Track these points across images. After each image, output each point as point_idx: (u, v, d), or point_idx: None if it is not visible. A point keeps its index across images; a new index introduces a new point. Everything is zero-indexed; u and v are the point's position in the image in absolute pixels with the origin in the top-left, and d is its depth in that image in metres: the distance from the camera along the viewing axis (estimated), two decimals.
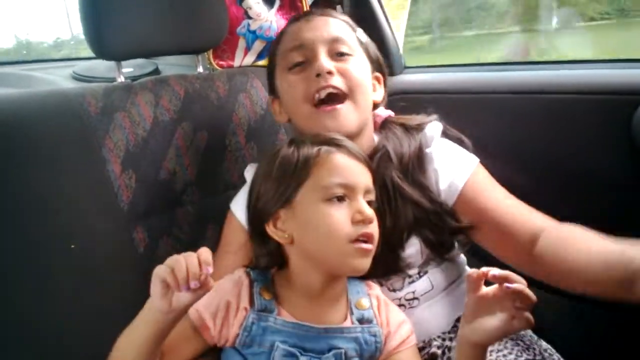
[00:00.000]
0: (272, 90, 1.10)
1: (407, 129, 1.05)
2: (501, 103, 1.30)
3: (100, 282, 0.99)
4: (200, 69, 1.33)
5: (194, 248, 1.11)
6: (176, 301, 0.73)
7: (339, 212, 0.83)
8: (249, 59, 1.50)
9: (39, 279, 0.93)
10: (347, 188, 0.84)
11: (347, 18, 1.09)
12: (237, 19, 1.47)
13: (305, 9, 1.51)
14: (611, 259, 0.80)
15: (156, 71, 1.77)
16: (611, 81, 1.17)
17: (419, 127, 1.05)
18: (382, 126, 1.08)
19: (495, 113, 1.30)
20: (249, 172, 1.07)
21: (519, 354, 0.93)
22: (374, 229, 0.84)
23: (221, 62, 1.49)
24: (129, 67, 1.65)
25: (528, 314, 0.72)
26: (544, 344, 1.01)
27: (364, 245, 0.82)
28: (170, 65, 1.77)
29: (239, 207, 1.04)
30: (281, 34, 1.08)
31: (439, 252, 0.99)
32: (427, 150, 1.02)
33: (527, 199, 1.27)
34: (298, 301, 0.88)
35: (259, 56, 1.51)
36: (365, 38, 1.08)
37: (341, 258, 0.82)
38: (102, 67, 1.69)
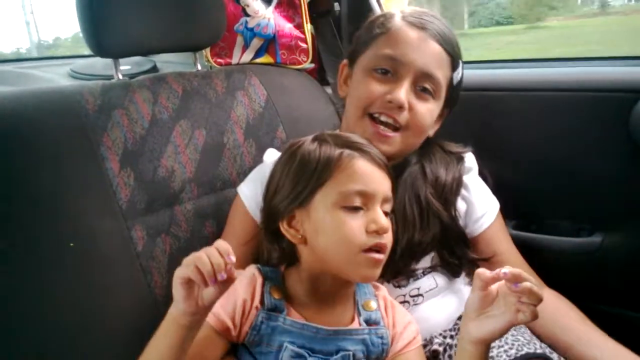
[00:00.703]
0: (352, 59, 1.06)
1: (446, 152, 1.07)
2: (499, 100, 1.30)
3: (99, 280, 0.98)
4: (198, 67, 1.33)
5: (193, 246, 1.12)
6: (202, 299, 0.72)
7: (354, 221, 0.82)
8: (247, 57, 1.50)
9: (37, 278, 0.93)
10: (366, 196, 0.83)
11: (456, 51, 1.02)
12: (234, 16, 1.47)
13: (303, 7, 1.51)
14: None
15: (154, 69, 1.77)
16: (609, 78, 1.17)
17: (458, 155, 1.07)
18: (422, 145, 1.06)
19: (493, 110, 1.30)
20: (270, 156, 1.08)
21: (520, 348, 0.93)
22: (387, 239, 0.84)
23: (219, 60, 1.49)
24: (127, 65, 1.65)
25: (534, 307, 0.72)
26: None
27: (376, 256, 0.82)
28: (168, 62, 1.77)
29: (248, 191, 1.04)
30: (390, 19, 1.01)
31: (449, 270, 1.03)
32: (465, 179, 1.06)
33: (526, 195, 1.28)
34: (307, 301, 0.87)
35: (257, 54, 1.50)
36: (459, 78, 1.04)
37: (352, 266, 0.82)
38: (99, 64, 1.69)
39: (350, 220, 0.81)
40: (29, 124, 1.01)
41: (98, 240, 1.00)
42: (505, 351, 0.93)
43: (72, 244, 0.96)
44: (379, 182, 0.85)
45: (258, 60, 1.50)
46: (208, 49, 1.47)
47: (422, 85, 0.98)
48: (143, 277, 1.04)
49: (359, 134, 0.95)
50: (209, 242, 1.12)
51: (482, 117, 1.31)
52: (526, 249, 1.09)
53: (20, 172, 0.97)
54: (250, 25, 1.47)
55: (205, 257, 0.70)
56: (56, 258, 0.95)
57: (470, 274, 1.05)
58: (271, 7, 1.51)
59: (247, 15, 1.48)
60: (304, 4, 1.52)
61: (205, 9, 1.23)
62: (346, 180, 0.83)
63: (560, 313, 1.02)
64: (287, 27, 1.50)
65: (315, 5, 1.55)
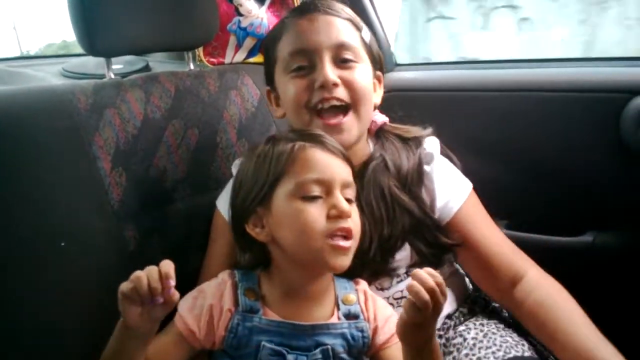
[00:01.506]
0: (270, 81, 1.07)
1: (405, 140, 1.05)
2: (491, 100, 1.30)
3: (91, 280, 0.98)
4: (191, 66, 1.33)
5: (185, 246, 1.12)
6: (146, 314, 0.74)
7: (313, 208, 0.81)
8: (240, 56, 1.50)
9: (29, 278, 0.93)
10: (323, 183, 0.83)
11: (351, 14, 1.04)
12: (227, 15, 1.47)
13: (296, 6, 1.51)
14: (581, 353, 0.88)
15: (146, 68, 1.77)
16: (600, 79, 1.18)
17: (417, 141, 1.05)
18: (378, 134, 1.07)
19: (486, 110, 1.31)
20: (236, 167, 1.06)
21: (508, 350, 0.94)
22: (352, 224, 0.83)
23: (212, 59, 1.49)
24: (119, 64, 1.64)
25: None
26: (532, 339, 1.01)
27: (341, 243, 0.81)
28: (161, 62, 1.77)
29: (224, 203, 1.04)
30: (280, 28, 1.04)
31: (428, 261, 0.98)
32: (427, 168, 1.02)
33: (516, 196, 1.28)
34: (284, 300, 0.87)
35: (250, 53, 1.50)
36: (368, 37, 1.05)
37: (317, 255, 0.81)
38: (91, 63, 1.68)
39: (309, 208, 0.81)
40: (20, 123, 1.00)
41: (90, 239, 1.00)
42: (493, 353, 0.93)
43: (63, 244, 0.96)
44: (336, 169, 0.85)
45: (251, 59, 1.51)
46: (201, 49, 1.47)
47: (342, 57, 0.98)
48: None
49: None
50: (201, 241, 1.13)
51: (474, 117, 1.31)
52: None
53: (12, 172, 0.96)
54: (243, 25, 1.47)
55: (144, 279, 0.72)
56: (48, 258, 0.95)
57: (451, 263, 1.05)
58: (264, 7, 1.51)
59: (240, 14, 1.48)
60: (296, 3, 1.52)
61: (197, 9, 1.23)
62: (300, 170, 0.83)
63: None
64: None
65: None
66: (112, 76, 1.19)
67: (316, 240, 0.81)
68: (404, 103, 1.12)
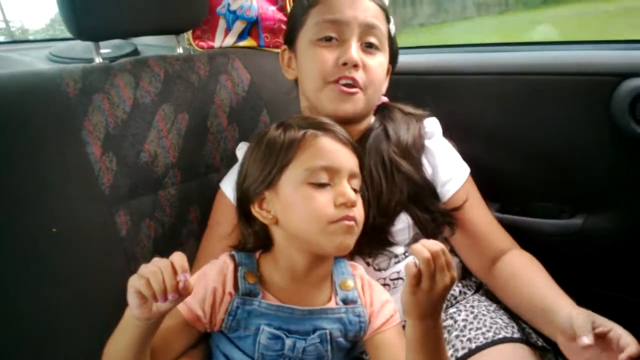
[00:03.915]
0: (290, 41, 1.09)
1: (405, 114, 1.09)
2: (482, 84, 1.30)
3: (84, 265, 0.98)
4: (180, 50, 1.32)
5: (177, 230, 1.12)
6: (156, 308, 0.72)
7: (322, 195, 0.83)
8: (230, 40, 1.48)
9: (19, 263, 0.92)
10: (331, 171, 0.84)
11: (385, 3, 1.07)
12: None
13: None
14: (542, 311, 0.92)
15: (135, 52, 1.74)
16: (590, 62, 1.18)
17: (418, 117, 1.09)
18: (379, 109, 1.10)
19: (477, 94, 1.31)
20: (241, 150, 1.08)
21: (497, 331, 0.94)
22: (357, 213, 0.85)
23: (201, 43, 1.47)
24: (107, 48, 1.62)
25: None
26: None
27: (347, 222, 0.83)
28: (149, 46, 1.74)
29: (229, 186, 1.04)
30: None
31: (426, 231, 1.01)
32: (427, 143, 1.06)
33: (508, 179, 1.29)
34: (283, 284, 0.88)
35: (240, 37, 1.49)
36: (394, 30, 1.08)
37: (325, 237, 0.83)
38: (79, 48, 1.65)
39: (317, 195, 0.83)
40: (8, 108, 0.99)
41: (81, 225, 0.99)
42: (482, 334, 0.94)
43: (54, 230, 0.95)
44: (344, 158, 0.87)
45: (241, 43, 1.49)
46: (190, 32, 1.45)
47: (368, 40, 1.01)
48: (126, 262, 1.03)
49: (324, 102, 0.99)
50: (193, 226, 1.13)
51: (464, 100, 1.31)
52: (510, 231, 1.10)
53: (1, 157, 0.95)
54: (232, 8, 1.45)
55: (159, 275, 0.69)
56: (39, 243, 0.94)
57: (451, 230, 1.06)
58: None
59: None
60: None
61: None
62: (311, 157, 0.85)
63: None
64: (270, 9, 1.49)
65: None
66: (101, 60, 1.18)
67: (322, 226, 0.82)
68: (396, 86, 1.11)
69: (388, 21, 1.06)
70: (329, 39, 1.00)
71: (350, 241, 0.85)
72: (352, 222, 0.84)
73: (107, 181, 1.04)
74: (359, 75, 0.99)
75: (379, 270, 1.02)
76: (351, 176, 0.87)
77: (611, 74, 1.12)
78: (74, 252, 0.97)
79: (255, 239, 0.92)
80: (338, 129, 0.90)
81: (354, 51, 0.98)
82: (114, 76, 1.12)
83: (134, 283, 0.71)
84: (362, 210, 0.88)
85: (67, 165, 1.01)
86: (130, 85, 1.12)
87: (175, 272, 0.70)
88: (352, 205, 0.84)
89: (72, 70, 1.09)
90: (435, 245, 0.71)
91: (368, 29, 1.00)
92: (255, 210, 0.88)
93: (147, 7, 1.16)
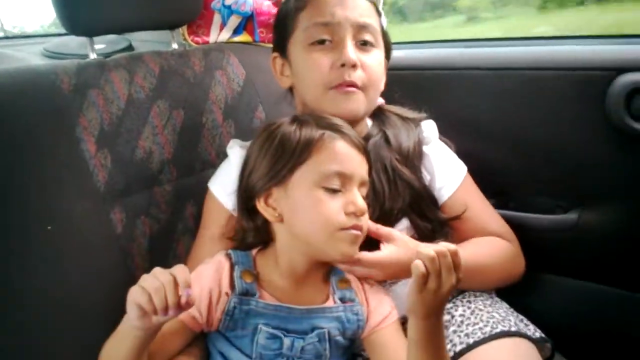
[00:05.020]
0: (281, 48, 1.06)
1: (404, 119, 1.08)
2: (478, 79, 1.30)
3: (79, 263, 0.97)
4: (175, 45, 1.31)
5: (172, 228, 1.12)
6: (156, 320, 0.71)
7: (333, 201, 0.82)
8: (225, 35, 1.48)
9: (14, 261, 0.92)
10: (344, 177, 0.84)
11: None
12: None
13: None
14: None
15: (129, 48, 1.74)
16: (585, 57, 1.18)
17: (416, 122, 1.08)
18: (376, 113, 1.09)
19: (472, 89, 1.31)
20: (232, 149, 1.06)
21: (495, 325, 0.94)
22: (364, 222, 0.85)
23: (196, 38, 1.46)
24: (101, 44, 1.61)
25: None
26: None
27: (354, 231, 0.83)
28: (144, 41, 1.74)
29: (218, 185, 1.03)
30: None
31: (425, 237, 1.01)
32: (425, 149, 1.06)
33: (503, 175, 1.29)
34: (280, 282, 0.88)
35: (235, 32, 1.48)
36: (385, 23, 1.07)
37: (331, 244, 0.82)
38: (73, 43, 1.65)
39: (329, 200, 0.82)
40: (2, 104, 0.99)
41: (76, 222, 0.99)
42: (480, 328, 0.94)
43: (49, 227, 0.95)
44: (358, 165, 0.86)
45: (236, 38, 1.48)
46: (185, 27, 1.44)
47: (362, 39, 1.00)
48: (123, 259, 1.03)
49: (326, 107, 0.97)
50: (188, 223, 1.13)
51: (461, 95, 1.31)
52: None
53: None
54: (227, 3, 1.45)
55: (162, 292, 0.68)
56: (35, 242, 0.94)
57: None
58: None
59: None
60: None
61: None
62: (326, 160, 0.84)
63: None
64: (266, 4, 1.48)
65: None
66: (95, 56, 1.17)
67: (330, 232, 0.82)
68: (393, 82, 1.11)
69: (379, 14, 1.05)
70: (322, 42, 0.99)
71: (355, 250, 0.84)
72: (359, 232, 0.83)
73: (102, 178, 1.04)
74: (359, 75, 0.97)
75: None
76: (361, 184, 0.86)
77: (606, 69, 1.12)
78: (68, 249, 0.97)
79: (255, 235, 0.91)
80: (353, 132, 0.89)
81: (351, 51, 0.97)
82: (109, 72, 1.11)
83: (135, 296, 0.69)
84: (368, 219, 0.87)
85: (61, 162, 1.00)
86: (125, 81, 1.12)
87: (177, 286, 0.69)
88: (362, 214, 0.84)
89: (67, 66, 1.09)
90: (443, 245, 0.72)
91: (361, 27, 0.99)
92: (260, 205, 0.87)
93: (141, 2, 1.15)
